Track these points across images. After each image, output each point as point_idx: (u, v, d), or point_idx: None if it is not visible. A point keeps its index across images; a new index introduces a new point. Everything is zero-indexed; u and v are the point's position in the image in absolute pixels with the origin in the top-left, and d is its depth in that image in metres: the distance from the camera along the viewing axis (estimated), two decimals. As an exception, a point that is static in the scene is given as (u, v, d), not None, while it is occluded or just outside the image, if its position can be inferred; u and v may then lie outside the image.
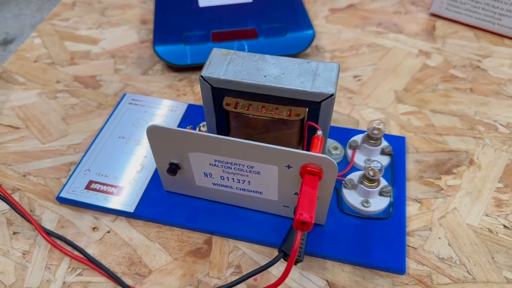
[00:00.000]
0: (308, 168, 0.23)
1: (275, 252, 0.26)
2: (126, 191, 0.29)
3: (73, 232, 0.28)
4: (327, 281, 0.26)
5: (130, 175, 0.30)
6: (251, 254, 0.27)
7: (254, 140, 0.24)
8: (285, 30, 0.40)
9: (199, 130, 0.33)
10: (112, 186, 0.30)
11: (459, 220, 0.28)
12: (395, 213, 0.28)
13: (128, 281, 0.26)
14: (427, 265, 0.26)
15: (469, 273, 0.26)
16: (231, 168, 0.25)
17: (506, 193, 0.30)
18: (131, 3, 0.48)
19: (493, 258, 0.27)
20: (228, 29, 0.40)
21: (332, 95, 0.25)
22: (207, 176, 0.26)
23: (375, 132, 0.29)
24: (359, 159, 0.30)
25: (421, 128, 0.34)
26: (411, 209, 0.29)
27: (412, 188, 0.30)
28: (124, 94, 0.36)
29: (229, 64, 0.27)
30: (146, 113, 0.34)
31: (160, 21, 0.41)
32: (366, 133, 0.30)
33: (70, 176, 0.30)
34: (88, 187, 0.30)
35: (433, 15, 0.45)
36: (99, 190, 0.29)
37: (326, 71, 0.26)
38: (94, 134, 0.34)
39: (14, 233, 0.28)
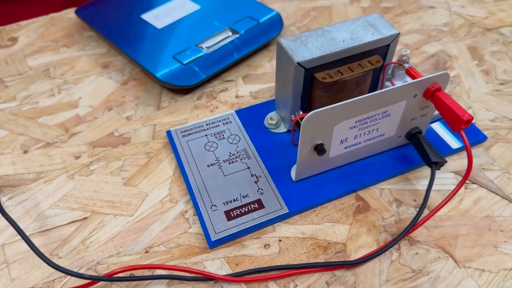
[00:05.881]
0: (432, 89, 0.28)
1: (408, 176, 0.32)
2: (264, 201, 0.29)
3: (251, 262, 0.27)
4: (452, 172, 0.32)
5: (253, 187, 0.30)
6: (394, 186, 0.31)
7: (346, 99, 0.27)
8: (254, 19, 0.43)
9: (267, 122, 0.34)
10: (248, 204, 0.29)
11: (477, 92, 0.38)
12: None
13: (336, 262, 0.27)
14: (488, 128, 0.35)
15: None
16: (366, 123, 0.29)
17: (483, 65, 0.41)
18: (67, 57, 0.43)
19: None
20: (207, 36, 0.41)
21: (398, 33, 0.31)
22: (342, 143, 0.29)
23: (404, 58, 0.36)
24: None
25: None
26: (451, 101, 0.37)
27: (439, 88, 0.38)
28: (168, 131, 0.34)
29: (306, 45, 0.30)
30: (207, 135, 0.34)
31: (140, 55, 0.39)
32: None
33: (202, 222, 0.29)
34: (229, 218, 0.29)
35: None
36: (242, 214, 0.29)
37: (377, 20, 0.31)
38: (173, 180, 0.32)
39: (195, 299, 0.26)
